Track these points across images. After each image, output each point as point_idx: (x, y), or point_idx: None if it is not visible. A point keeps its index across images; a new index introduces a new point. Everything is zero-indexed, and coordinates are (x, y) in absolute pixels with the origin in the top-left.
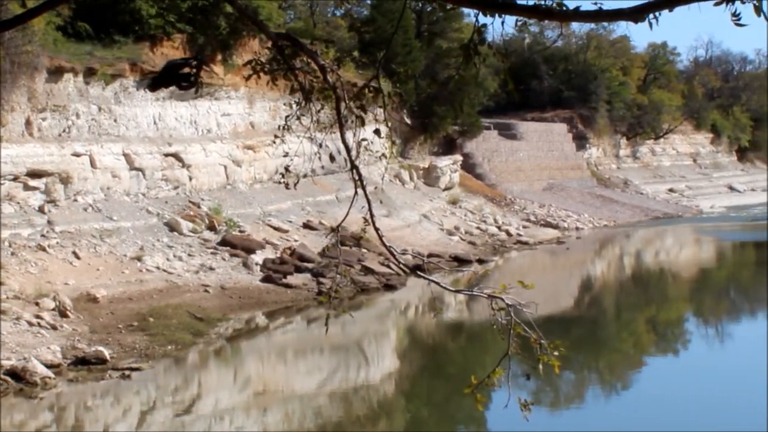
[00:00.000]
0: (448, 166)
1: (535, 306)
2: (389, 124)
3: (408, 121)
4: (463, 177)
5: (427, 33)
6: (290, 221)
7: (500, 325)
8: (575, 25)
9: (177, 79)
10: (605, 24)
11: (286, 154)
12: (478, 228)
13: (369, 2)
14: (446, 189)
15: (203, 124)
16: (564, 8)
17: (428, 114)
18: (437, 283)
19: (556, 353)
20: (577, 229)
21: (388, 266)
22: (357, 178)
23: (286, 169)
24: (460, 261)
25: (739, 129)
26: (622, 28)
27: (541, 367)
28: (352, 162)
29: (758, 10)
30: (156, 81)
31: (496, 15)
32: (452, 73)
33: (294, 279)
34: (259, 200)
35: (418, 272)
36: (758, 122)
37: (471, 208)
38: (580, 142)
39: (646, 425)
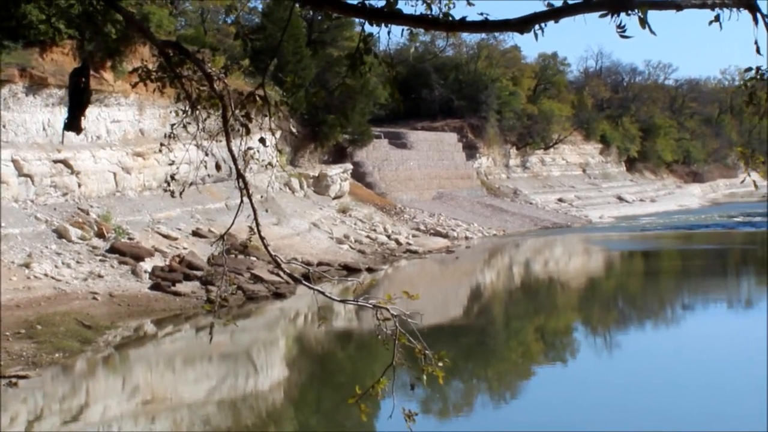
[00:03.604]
0: (339, 174)
1: (420, 317)
2: (275, 134)
3: (295, 129)
4: (354, 186)
5: (317, 41)
6: (179, 229)
7: (385, 336)
8: (465, 35)
9: (84, 93)
10: (495, 34)
11: (172, 163)
12: (367, 237)
13: (260, 10)
14: (336, 198)
15: (93, 130)
16: (450, 18)
17: (318, 122)
18: (322, 293)
19: (440, 364)
20: (467, 238)
21: (278, 275)
22: (243, 186)
23: (172, 177)
24: (350, 270)
25: (628, 139)
26: (512, 38)
27: (425, 377)
28: (238, 170)
29: (643, 22)
30: (72, 117)
31: (383, 24)
32: (341, 82)
33: (183, 287)
34: (148, 207)
35: (304, 282)
36: (647, 133)
37: (361, 216)
38: (471, 151)
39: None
